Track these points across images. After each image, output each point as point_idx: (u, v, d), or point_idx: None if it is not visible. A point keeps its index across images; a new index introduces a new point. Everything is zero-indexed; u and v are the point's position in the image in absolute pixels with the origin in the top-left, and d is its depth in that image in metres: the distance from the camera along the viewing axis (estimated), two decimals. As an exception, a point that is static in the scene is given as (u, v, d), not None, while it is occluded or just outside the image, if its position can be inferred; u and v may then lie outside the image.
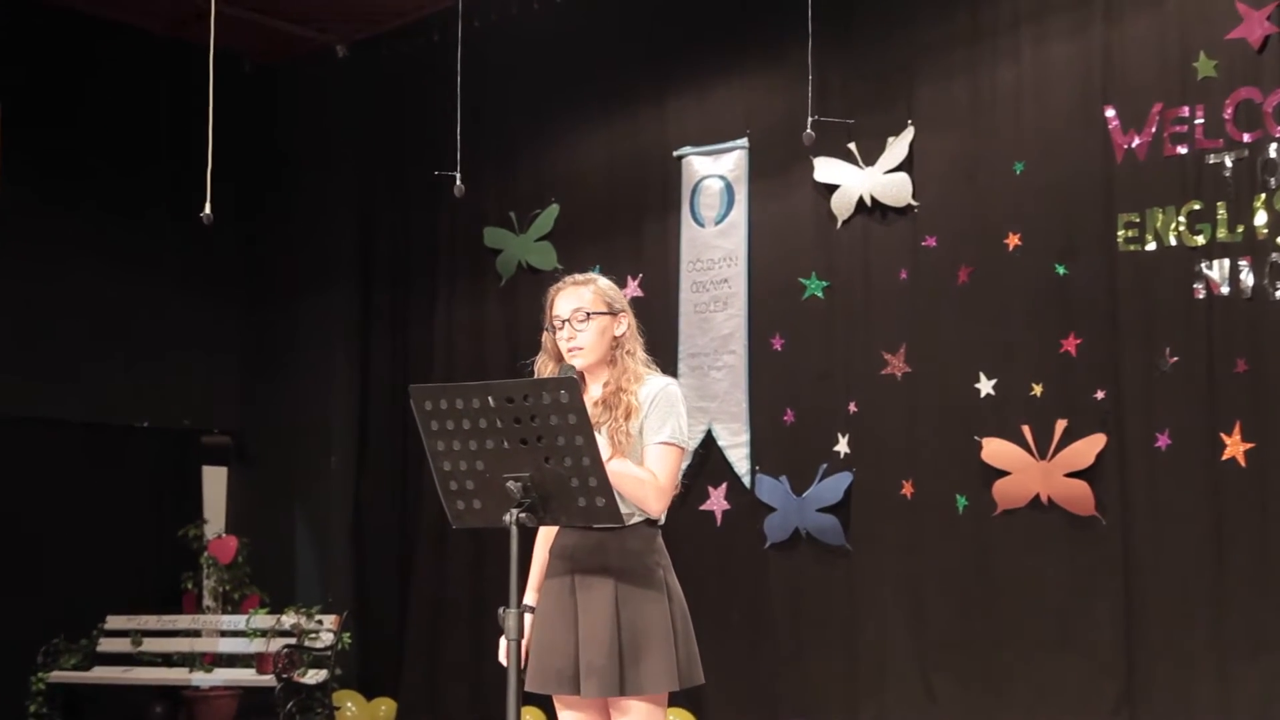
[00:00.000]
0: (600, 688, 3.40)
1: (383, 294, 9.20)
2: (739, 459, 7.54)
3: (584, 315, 3.57)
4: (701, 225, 7.79)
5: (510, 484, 3.16)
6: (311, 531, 9.14)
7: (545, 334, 3.67)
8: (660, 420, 3.50)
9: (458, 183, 7.39)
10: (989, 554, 6.75)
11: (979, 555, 6.78)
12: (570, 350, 3.58)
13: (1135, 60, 6.52)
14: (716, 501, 7.63)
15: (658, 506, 3.47)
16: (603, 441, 3.38)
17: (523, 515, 3.16)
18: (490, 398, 3.13)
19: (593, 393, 3.58)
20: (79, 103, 8.76)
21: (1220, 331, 6.19)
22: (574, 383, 3.10)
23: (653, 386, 3.55)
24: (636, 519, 3.49)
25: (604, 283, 3.67)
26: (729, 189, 7.71)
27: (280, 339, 9.39)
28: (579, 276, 3.68)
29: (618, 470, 3.35)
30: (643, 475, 3.43)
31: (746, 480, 7.50)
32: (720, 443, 7.59)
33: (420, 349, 8.96)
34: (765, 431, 7.49)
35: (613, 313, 3.61)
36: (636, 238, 8.09)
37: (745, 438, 7.53)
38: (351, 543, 9.06)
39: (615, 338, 3.61)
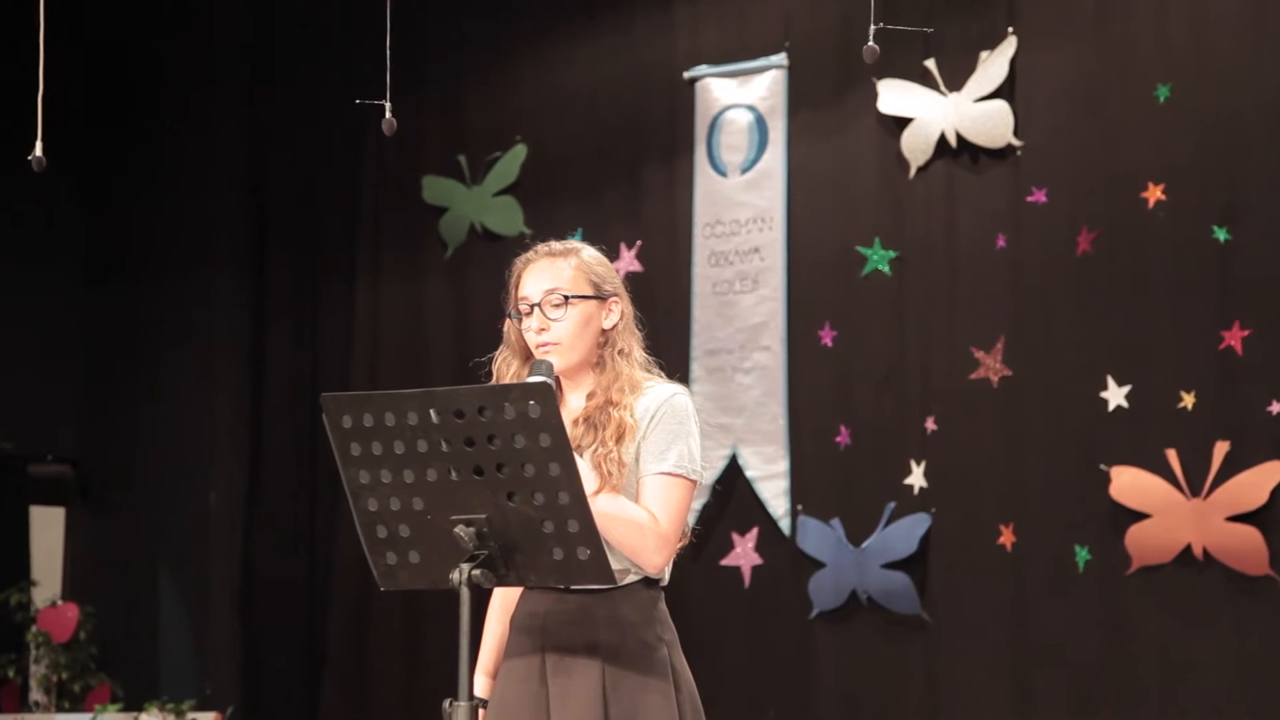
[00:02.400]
0: (583, 805, 3.45)
1: (283, 269, 9.21)
2: (775, 495, 7.59)
3: (560, 299, 3.60)
4: (723, 174, 7.84)
5: (460, 529, 3.20)
6: (182, 597, 9.14)
7: (508, 322, 3.71)
8: (664, 443, 3.54)
9: (387, 115, 7.40)
10: (1120, 626, 6.79)
11: (1107, 627, 6.83)
12: (542, 345, 3.61)
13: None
14: (744, 554, 7.68)
15: (659, 559, 3.51)
16: (586, 471, 3.41)
17: (477, 572, 3.20)
18: (433, 411, 3.18)
19: (573, 405, 3.63)
20: None
21: None
22: (548, 390, 3.14)
23: (654, 397, 3.58)
24: (632, 578, 3.54)
25: (589, 254, 3.71)
26: (760, 124, 7.76)
27: (139, 332, 9.35)
28: (555, 245, 3.71)
29: (607, 510, 3.39)
30: (639, 517, 3.47)
31: (785, 525, 7.56)
32: (749, 473, 7.64)
33: (335, 344, 8.97)
34: (811, 458, 7.54)
35: (601, 297, 3.65)
36: (633, 191, 8.13)
37: (783, 466, 7.59)
38: (238, 612, 9.07)
39: (604, 331, 3.65)
